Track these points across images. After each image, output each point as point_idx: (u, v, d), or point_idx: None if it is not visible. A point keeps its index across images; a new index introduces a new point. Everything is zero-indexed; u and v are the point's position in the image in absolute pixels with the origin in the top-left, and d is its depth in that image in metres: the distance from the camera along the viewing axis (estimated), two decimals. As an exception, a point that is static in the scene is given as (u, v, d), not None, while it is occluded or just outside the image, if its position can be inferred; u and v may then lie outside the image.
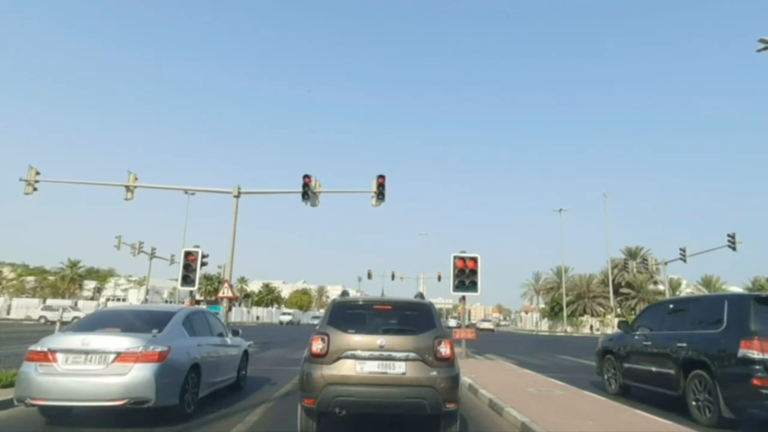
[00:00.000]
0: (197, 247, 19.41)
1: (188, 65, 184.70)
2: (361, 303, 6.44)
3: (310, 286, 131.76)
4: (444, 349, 5.49)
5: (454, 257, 16.78)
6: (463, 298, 17.58)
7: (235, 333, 9.91)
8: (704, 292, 61.34)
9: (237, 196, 19.94)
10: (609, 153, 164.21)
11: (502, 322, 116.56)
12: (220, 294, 19.01)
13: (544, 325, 69.77)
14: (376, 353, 5.40)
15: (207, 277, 66.21)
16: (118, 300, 72.95)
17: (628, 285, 63.09)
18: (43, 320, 40.50)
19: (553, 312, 66.87)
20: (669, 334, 8.43)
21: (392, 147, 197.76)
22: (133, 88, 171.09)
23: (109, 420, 6.62)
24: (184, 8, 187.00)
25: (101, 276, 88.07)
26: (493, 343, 29.67)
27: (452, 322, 45.43)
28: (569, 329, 61.99)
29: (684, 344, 7.80)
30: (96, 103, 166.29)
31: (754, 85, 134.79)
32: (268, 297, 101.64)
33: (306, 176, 19.33)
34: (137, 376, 5.89)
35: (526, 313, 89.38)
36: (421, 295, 6.95)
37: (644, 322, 9.63)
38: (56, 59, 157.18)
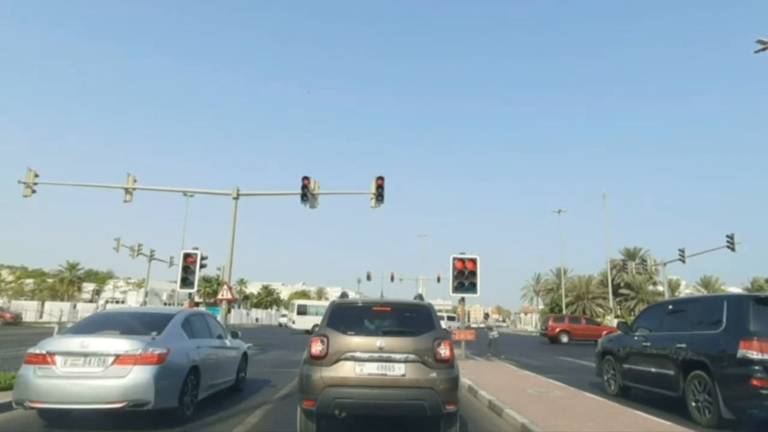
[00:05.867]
0: (196, 249, 19.43)
1: (187, 67, 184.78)
2: (360, 305, 6.42)
3: (309, 287, 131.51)
4: (443, 351, 5.49)
5: (454, 258, 16.78)
6: (463, 299, 17.58)
7: (235, 335, 9.89)
8: (703, 292, 61.37)
9: (236, 198, 19.93)
10: (608, 154, 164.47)
11: (501, 323, 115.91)
12: (220, 296, 19.00)
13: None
14: (376, 355, 5.40)
15: (206, 279, 66.05)
16: (117, 302, 72.95)
17: (628, 286, 63.13)
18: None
19: (553, 313, 66.86)
20: (668, 335, 8.43)
21: (391, 148, 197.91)
22: (131, 90, 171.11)
23: (108, 422, 6.61)
24: (184, 9, 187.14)
25: (100, 278, 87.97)
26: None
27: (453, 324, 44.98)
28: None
29: (683, 345, 7.81)
30: (95, 105, 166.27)
31: (752, 86, 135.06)
32: (268, 299, 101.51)
33: (305, 178, 19.33)
34: (136, 378, 5.88)
35: (526, 314, 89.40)
36: (420, 297, 6.97)
37: (643, 323, 9.63)
38: (55, 61, 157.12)
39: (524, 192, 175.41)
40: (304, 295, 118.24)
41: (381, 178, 19.51)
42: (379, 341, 5.46)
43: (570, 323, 34.78)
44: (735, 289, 59.80)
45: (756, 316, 6.90)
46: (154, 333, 6.48)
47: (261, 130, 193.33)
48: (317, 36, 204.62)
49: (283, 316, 70.25)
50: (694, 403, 7.41)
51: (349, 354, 5.42)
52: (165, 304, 61.10)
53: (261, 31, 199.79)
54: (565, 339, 32.48)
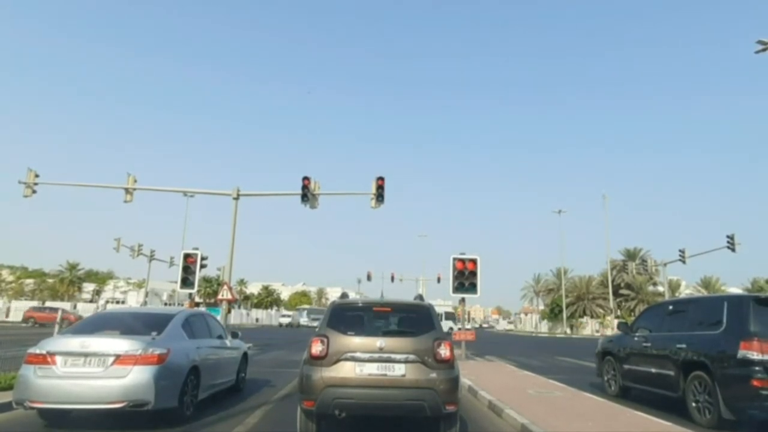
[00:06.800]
0: (196, 249, 19.39)
1: (187, 67, 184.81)
2: (360, 305, 6.43)
3: (309, 288, 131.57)
4: (443, 351, 5.50)
5: (454, 259, 16.75)
6: (463, 299, 17.57)
7: (235, 335, 9.90)
8: (703, 293, 61.38)
9: (236, 198, 19.93)
10: (608, 154, 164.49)
11: (498, 323, 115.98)
12: (220, 296, 18.99)
13: (544, 327, 69.74)
14: (376, 355, 5.40)
15: (206, 280, 66.04)
16: (118, 302, 72.90)
17: (628, 286, 63.11)
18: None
19: (553, 313, 66.86)
20: (669, 335, 8.43)
21: (392, 148, 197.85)
22: (132, 90, 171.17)
23: (108, 423, 6.61)
24: (184, 10, 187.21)
25: (100, 278, 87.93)
26: (492, 344, 29.66)
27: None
28: (568, 331, 62.00)
29: (684, 345, 7.81)
30: (95, 106, 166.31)
31: (752, 86, 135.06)
32: (268, 299, 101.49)
33: (305, 178, 19.32)
34: (136, 378, 5.88)
35: (526, 314, 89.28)
36: (420, 297, 6.98)
37: (644, 323, 9.63)
38: (55, 61, 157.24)
39: (524, 192, 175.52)
40: (304, 295, 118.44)
41: (381, 179, 19.50)
42: (379, 341, 5.46)
43: None
44: (735, 290, 59.75)
45: (756, 316, 6.90)
46: (154, 333, 6.48)
47: (261, 130, 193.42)
48: (317, 36, 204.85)
49: (284, 316, 70.31)
50: (694, 404, 7.41)
51: (349, 354, 5.43)
52: (165, 304, 61.10)
53: (261, 31, 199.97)
54: None
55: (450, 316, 49.80)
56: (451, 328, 36.39)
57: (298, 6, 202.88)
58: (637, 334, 9.46)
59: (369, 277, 57.50)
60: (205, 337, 7.87)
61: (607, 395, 9.76)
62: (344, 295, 7.10)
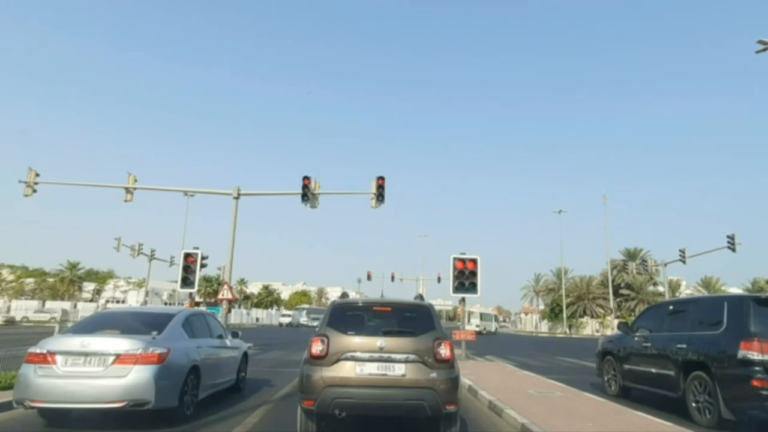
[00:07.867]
0: (197, 248, 19.43)
1: (187, 67, 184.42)
2: (360, 305, 6.43)
3: (309, 287, 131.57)
4: (444, 351, 5.50)
5: (454, 259, 16.77)
6: (463, 299, 17.58)
7: (235, 335, 9.90)
8: (704, 293, 61.37)
9: (237, 198, 19.96)
10: (608, 154, 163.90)
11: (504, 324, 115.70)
12: (220, 296, 19.03)
13: (544, 327, 69.75)
14: (376, 355, 5.41)
15: (206, 279, 66.14)
16: (118, 302, 72.93)
17: (628, 286, 63.10)
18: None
19: (553, 313, 66.86)
20: (669, 335, 8.44)
21: (392, 148, 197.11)
22: (131, 90, 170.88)
23: (108, 422, 6.62)
24: (183, 10, 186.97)
25: (101, 278, 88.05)
26: (493, 344, 29.67)
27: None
28: (568, 331, 62.01)
29: (684, 346, 7.81)
30: (95, 106, 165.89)
31: (753, 87, 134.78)
32: (268, 299, 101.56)
33: (305, 178, 19.37)
34: (137, 378, 5.89)
35: (526, 314, 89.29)
36: (420, 297, 6.98)
37: (644, 323, 9.63)
38: (55, 61, 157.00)
39: (524, 192, 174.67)
40: (304, 295, 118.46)
41: (381, 178, 19.55)
42: (379, 341, 5.47)
43: None
44: (735, 290, 59.79)
45: (756, 317, 6.90)
46: (154, 333, 6.48)
47: (261, 130, 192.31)
48: (317, 35, 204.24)
49: (284, 315, 70.33)
50: (694, 404, 7.42)
51: (349, 354, 5.43)
52: (165, 303, 61.15)
53: (261, 32, 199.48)
54: None
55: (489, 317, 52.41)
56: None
57: (298, 6, 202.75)
58: (637, 334, 9.46)
59: (369, 277, 57.66)
60: (206, 337, 7.88)
61: (607, 395, 9.76)
62: (344, 295, 7.11)
